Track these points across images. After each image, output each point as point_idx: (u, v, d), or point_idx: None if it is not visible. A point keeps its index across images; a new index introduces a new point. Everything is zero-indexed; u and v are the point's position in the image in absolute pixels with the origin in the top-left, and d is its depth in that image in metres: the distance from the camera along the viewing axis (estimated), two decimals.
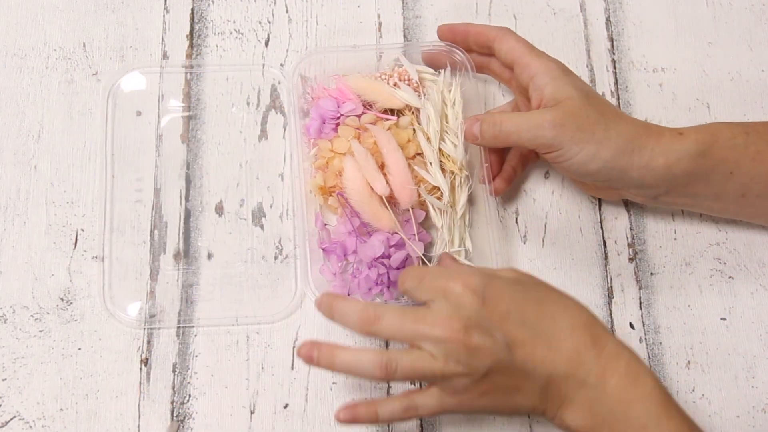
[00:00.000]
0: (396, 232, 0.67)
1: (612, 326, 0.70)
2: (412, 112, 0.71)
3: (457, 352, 0.53)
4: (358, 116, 0.71)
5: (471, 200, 0.71)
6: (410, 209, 0.68)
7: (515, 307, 0.54)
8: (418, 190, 0.67)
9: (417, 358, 0.54)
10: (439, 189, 0.69)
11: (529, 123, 0.63)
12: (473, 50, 0.71)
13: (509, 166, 0.71)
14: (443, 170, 0.69)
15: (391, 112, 0.72)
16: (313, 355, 0.56)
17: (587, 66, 0.78)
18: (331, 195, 0.69)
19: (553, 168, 0.71)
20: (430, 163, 0.69)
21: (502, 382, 0.55)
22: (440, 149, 0.70)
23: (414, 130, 0.70)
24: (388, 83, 0.71)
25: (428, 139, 0.70)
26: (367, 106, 0.71)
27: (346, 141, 0.69)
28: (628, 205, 0.73)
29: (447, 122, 0.71)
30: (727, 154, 0.63)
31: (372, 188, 0.67)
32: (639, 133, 0.62)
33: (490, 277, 0.55)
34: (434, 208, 0.69)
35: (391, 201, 0.68)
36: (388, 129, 0.70)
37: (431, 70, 0.73)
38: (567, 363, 0.54)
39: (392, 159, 0.68)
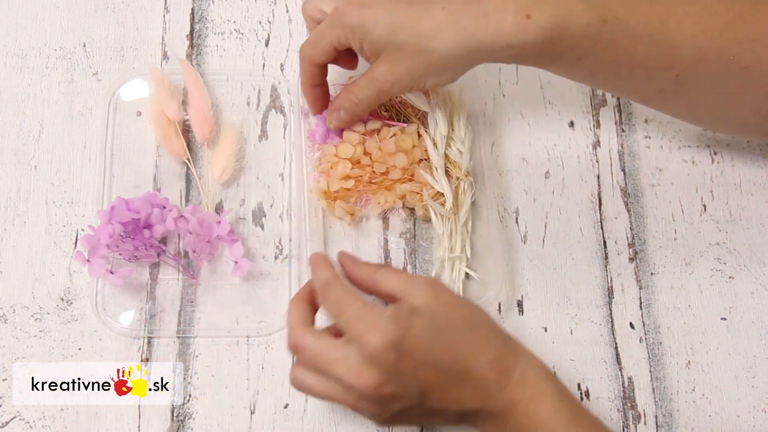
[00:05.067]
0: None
1: (612, 326, 0.70)
2: (419, 118, 0.71)
3: (367, 398, 0.54)
4: (364, 122, 0.70)
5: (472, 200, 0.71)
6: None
7: (430, 356, 0.54)
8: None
9: (330, 388, 0.55)
10: (442, 195, 0.68)
11: (377, 77, 0.63)
12: None
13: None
14: (448, 176, 0.69)
15: (398, 117, 0.71)
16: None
17: None
18: (334, 200, 0.69)
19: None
20: (436, 169, 0.69)
21: (414, 415, 0.57)
22: (446, 155, 0.69)
23: (419, 135, 0.70)
24: None
25: (435, 144, 0.69)
26: (373, 112, 0.71)
27: (350, 147, 0.69)
28: (628, 204, 0.73)
29: (453, 130, 0.70)
30: (577, 42, 0.59)
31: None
32: (478, 25, 0.59)
33: (406, 329, 0.53)
34: (436, 215, 0.69)
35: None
36: (393, 135, 0.70)
37: None
38: (476, 400, 0.55)
39: (195, 94, 0.72)
